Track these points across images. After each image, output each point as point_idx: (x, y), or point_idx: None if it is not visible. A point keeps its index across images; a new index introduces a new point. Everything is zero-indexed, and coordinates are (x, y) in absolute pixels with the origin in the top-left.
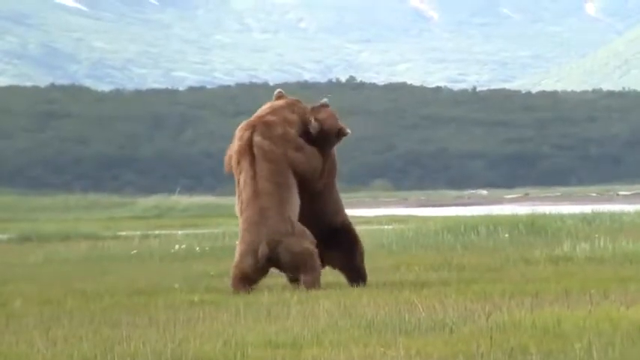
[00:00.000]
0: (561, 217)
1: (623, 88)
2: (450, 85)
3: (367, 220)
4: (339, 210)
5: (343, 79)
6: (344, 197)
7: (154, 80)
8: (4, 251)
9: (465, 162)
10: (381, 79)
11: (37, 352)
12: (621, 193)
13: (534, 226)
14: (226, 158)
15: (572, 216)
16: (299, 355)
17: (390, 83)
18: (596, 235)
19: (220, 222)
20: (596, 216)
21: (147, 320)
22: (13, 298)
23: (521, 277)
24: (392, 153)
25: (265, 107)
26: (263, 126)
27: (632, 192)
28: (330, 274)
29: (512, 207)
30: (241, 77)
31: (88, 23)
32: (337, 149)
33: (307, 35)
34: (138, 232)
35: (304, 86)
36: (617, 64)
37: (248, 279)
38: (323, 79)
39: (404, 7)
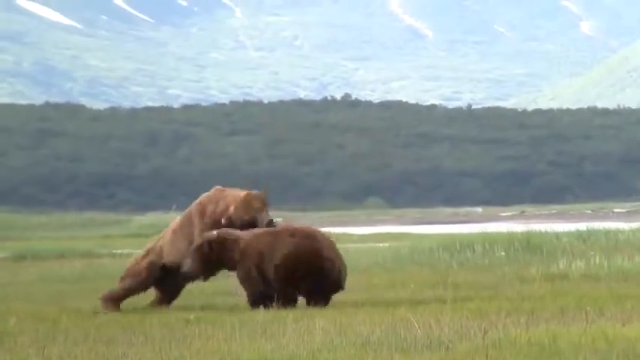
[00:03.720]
0: (557, 235)
1: (618, 105)
2: (444, 103)
3: (362, 238)
4: None
5: (338, 96)
6: (339, 215)
7: (149, 98)
8: None
9: (460, 180)
10: (376, 97)
11: None
12: (616, 210)
13: (530, 243)
14: None
15: (568, 233)
16: None
17: (385, 101)
18: (592, 253)
19: None
20: (591, 233)
21: (142, 338)
22: (8, 317)
23: (517, 294)
24: (387, 171)
25: None
26: None
27: (627, 209)
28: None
29: (508, 224)
30: (236, 95)
31: (83, 41)
32: (333, 166)
33: (302, 53)
34: (134, 250)
35: (300, 104)
36: (611, 82)
37: None
38: (318, 97)
39: (399, 25)
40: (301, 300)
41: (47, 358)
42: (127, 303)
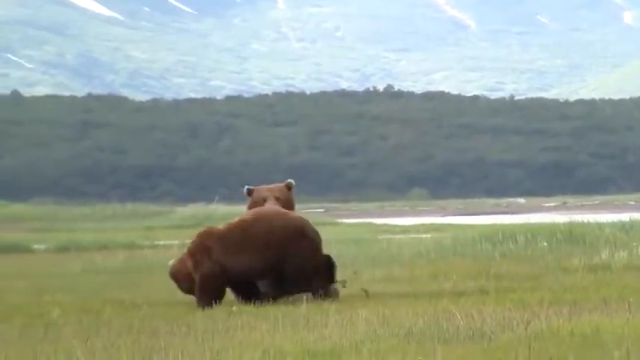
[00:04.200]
0: (599, 226)
1: None
2: (487, 94)
3: (405, 229)
4: None
5: (381, 87)
6: (382, 206)
7: (191, 89)
8: (42, 261)
9: (503, 170)
10: (418, 88)
11: None
12: None
13: (572, 234)
14: None
15: (610, 224)
16: None
17: (428, 92)
18: (634, 244)
19: None
20: (634, 224)
21: (185, 329)
22: (52, 308)
23: (560, 285)
24: (430, 162)
25: None
26: None
27: None
28: (372, 284)
29: (551, 215)
30: (278, 86)
31: (125, 33)
32: (376, 157)
33: (344, 44)
34: (176, 242)
35: (342, 95)
36: None
37: None
38: (360, 88)
39: (441, 16)
40: (345, 292)
41: (91, 350)
42: (169, 296)
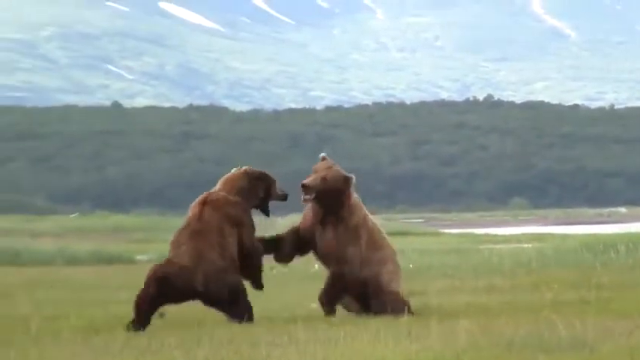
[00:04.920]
0: None
1: None
2: (587, 104)
3: (506, 239)
4: None
5: (481, 97)
6: (483, 215)
7: (291, 100)
8: (144, 272)
9: (604, 180)
10: (518, 98)
11: None
12: None
13: None
14: None
15: None
16: None
17: (528, 101)
18: None
19: None
20: None
21: (286, 339)
22: (155, 319)
23: None
24: (530, 171)
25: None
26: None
27: None
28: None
29: None
30: (378, 96)
31: (225, 44)
32: (477, 167)
33: (444, 54)
34: None
35: (442, 105)
36: None
37: None
38: (460, 98)
39: (541, 26)
40: (441, 302)
41: None
42: (269, 306)
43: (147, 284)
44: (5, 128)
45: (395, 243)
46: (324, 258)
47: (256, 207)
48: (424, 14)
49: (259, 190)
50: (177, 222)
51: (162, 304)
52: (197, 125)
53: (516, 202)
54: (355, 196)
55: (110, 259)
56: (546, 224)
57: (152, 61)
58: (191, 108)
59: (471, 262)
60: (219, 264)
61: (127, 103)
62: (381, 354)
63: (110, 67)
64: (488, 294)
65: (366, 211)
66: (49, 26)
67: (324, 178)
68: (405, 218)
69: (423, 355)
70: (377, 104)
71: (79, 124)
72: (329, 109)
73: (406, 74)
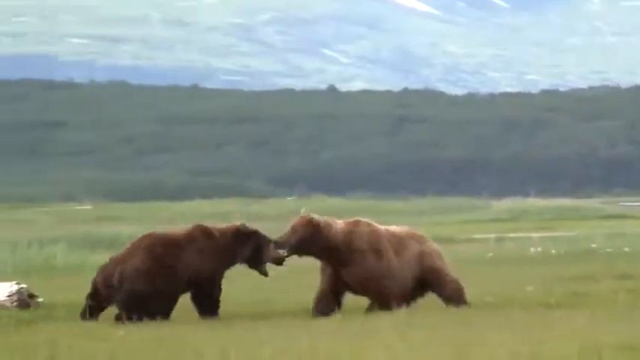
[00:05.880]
0: None
1: None
2: None
3: None
4: None
5: None
6: None
7: (507, 84)
8: None
9: None
10: None
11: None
12: None
13: None
14: None
15: None
16: None
17: None
18: None
19: (575, 225)
20: None
21: (502, 320)
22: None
23: None
24: None
25: None
26: None
27: None
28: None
29: None
30: (594, 80)
31: (441, 27)
32: None
33: None
34: (492, 235)
35: None
36: None
37: None
38: None
39: None
40: None
41: (409, 343)
42: (486, 289)
43: None
44: (223, 112)
45: (612, 226)
46: (363, 293)
47: (245, 263)
48: None
49: (245, 249)
50: (392, 206)
51: None
52: (412, 109)
53: None
54: (354, 219)
55: None
56: None
57: (367, 45)
58: (406, 92)
59: None
60: None
61: (342, 87)
62: (597, 338)
63: (326, 51)
64: None
65: (373, 223)
66: (267, 10)
67: (293, 229)
68: (622, 202)
69: (639, 338)
70: (592, 88)
71: (295, 107)
72: (545, 93)
73: (621, 58)
